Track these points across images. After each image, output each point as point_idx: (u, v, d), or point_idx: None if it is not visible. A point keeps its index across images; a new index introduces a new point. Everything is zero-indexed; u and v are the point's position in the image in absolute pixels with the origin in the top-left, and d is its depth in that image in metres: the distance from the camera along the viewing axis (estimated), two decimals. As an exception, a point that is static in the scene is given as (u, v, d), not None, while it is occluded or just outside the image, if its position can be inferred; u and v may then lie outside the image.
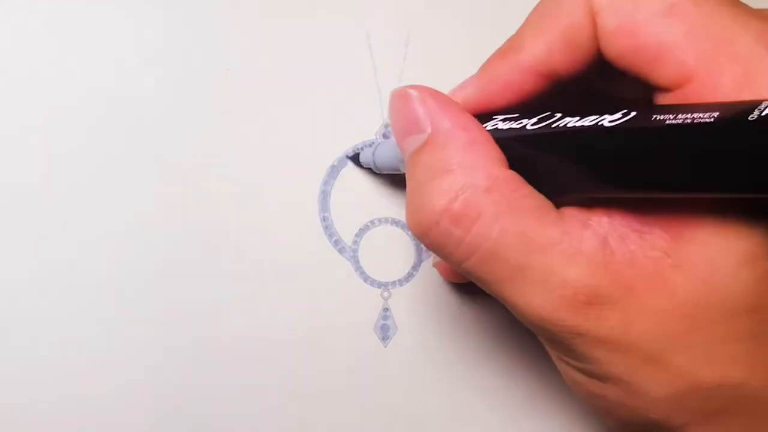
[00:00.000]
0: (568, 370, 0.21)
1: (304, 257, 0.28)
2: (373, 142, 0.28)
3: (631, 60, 0.19)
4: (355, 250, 0.28)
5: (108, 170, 0.27)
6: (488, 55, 0.29)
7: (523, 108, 0.22)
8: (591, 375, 0.20)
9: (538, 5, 0.22)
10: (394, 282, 0.28)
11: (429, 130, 0.21)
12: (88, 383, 0.27)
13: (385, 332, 0.28)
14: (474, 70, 0.29)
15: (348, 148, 0.28)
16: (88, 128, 0.27)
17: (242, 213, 0.28)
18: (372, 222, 0.28)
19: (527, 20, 0.22)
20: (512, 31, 0.29)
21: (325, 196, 0.28)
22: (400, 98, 0.22)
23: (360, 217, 0.28)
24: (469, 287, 0.28)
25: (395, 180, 0.29)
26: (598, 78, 0.21)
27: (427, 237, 0.21)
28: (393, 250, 0.28)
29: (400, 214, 0.29)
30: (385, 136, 0.28)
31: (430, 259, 0.29)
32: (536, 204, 0.20)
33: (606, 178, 0.19)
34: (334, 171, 0.28)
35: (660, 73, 0.19)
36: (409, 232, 0.28)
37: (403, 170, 0.25)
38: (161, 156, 0.27)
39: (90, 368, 0.27)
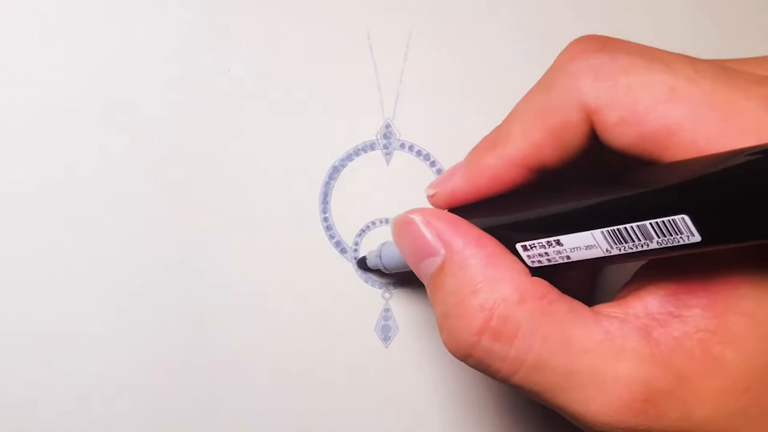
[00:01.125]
0: None
1: (305, 258, 0.28)
2: (374, 251, 0.27)
3: (639, 148, 0.19)
4: (356, 251, 0.28)
5: (109, 170, 0.27)
6: (487, 56, 0.29)
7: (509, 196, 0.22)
8: None
9: (526, 98, 0.22)
10: (395, 283, 0.28)
11: (442, 252, 0.21)
12: (89, 385, 0.27)
13: (386, 333, 0.28)
14: (473, 71, 0.29)
15: (349, 148, 0.28)
16: (90, 129, 0.27)
17: (243, 214, 0.28)
18: (373, 222, 0.28)
19: (515, 112, 0.22)
20: (511, 31, 0.29)
21: (325, 196, 0.28)
22: (404, 225, 0.22)
23: (361, 218, 0.28)
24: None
25: (396, 183, 0.29)
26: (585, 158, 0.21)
27: (470, 358, 0.20)
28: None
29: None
30: (385, 136, 0.28)
31: (430, 260, 0.29)
32: (569, 307, 0.19)
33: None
34: (334, 171, 0.28)
35: (672, 156, 0.18)
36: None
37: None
38: (162, 156, 0.27)
39: (91, 370, 0.27)
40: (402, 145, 0.29)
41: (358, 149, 0.28)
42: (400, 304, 0.28)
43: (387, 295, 0.28)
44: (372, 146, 0.28)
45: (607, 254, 0.19)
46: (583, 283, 0.26)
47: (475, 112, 0.29)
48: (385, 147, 0.28)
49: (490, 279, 0.20)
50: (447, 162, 0.29)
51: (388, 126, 0.28)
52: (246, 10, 0.28)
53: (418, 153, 0.29)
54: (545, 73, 0.21)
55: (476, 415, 0.29)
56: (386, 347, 0.28)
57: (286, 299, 0.28)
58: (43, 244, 0.27)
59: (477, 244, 0.21)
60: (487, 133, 0.29)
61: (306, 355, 0.28)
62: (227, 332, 0.28)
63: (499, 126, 0.22)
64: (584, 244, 0.19)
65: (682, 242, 0.17)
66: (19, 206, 0.27)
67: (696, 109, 0.18)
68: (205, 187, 0.28)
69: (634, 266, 0.21)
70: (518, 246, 0.21)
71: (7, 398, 0.27)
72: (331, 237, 0.28)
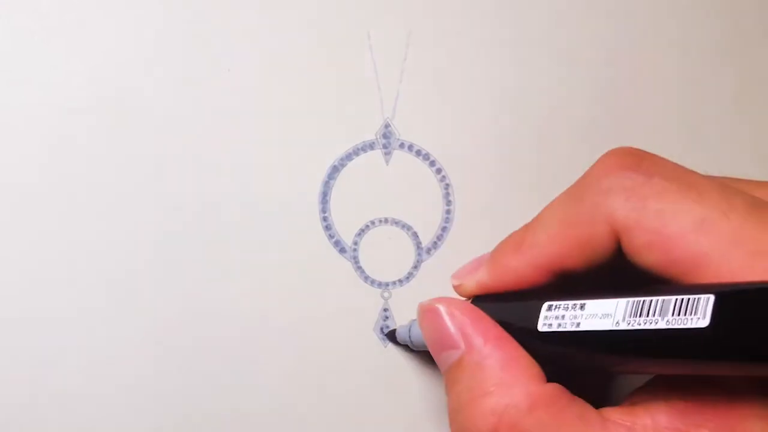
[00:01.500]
0: None
1: (304, 257, 0.28)
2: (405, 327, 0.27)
3: (663, 270, 0.19)
4: (355, 251, 0.28)
5: (108, 170, 0.27)
6: (487, 56, 0.29)
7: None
8: None
9: (554, 204, 0.22)
10: (395, 282, 0.28)
11: (462, 346, 0.22)
12: (88, 383, 0.27)
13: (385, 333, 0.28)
14: (473, 71, 0.29)
15: (349, 147, 0.28)
16: (88, 129, 0.27)
17: (242, 213, 0.28)
18: (372, 222, 0.28)
19: (543, 217, 0.22)
20: (510, 32, 0.29)
21: (325, 196, 0.28)
22: (429, 313, 0.23)
23: (360, 217, 0.28)
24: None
25: (395, 183, 0.29)
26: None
27: None
28: (393, 251, 0.28)
29: (401, 214, 0.28)
30: (385, 136, 0.28)
31: (430, 259, 0.29)
32: (579, 413, 0.20)
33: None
34: (334, 171, 0.28)
35: (695, 282, 0.19)
36: (409, 232, 0.28)
37: None
38: (162, 156, 0.27)
39: (89, 368, 0.27)
40: (401, 145, 0.29)
41: (358, 149, 0.28)
42: (400, 303, 0.28)
43: (386, 294, 0.28)
44: (371, 146, 0.28)
45: (615, 327, 0.19)
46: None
47: (475, 111, 0.29)
48: (385, 147, 0.28)
49: (503, 383, 0.20)
50: (447, 162, 0.29)
51: (387, 126, 0.28)
52: (246, 10, 0.28)
53: (418, 153, 0.29)
54: (576, 182, 0.22)
55: (476, 416, 0.29)
56: (386, 347, 0.28)
57: (285, 299, 0.28)
58: (43, 243, 0.27)
59: (496, 345, 0.21)
60: (485, 131, 0.29)
61: (305, 354, 0.28)
62: (225, 332, 0.27)
63: (525, 227, 0.23)
64: (601, 312, 0.19)
65: (688, 325, 0.17)
66: (18, 205, 0.27)
67: (723, 243, 0.18)
68: (204, 187, 0.28)
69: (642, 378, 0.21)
70: (545, 305, 0.21)
71: (5, 398, 0.27)
72: (331, 236, 0.28)
